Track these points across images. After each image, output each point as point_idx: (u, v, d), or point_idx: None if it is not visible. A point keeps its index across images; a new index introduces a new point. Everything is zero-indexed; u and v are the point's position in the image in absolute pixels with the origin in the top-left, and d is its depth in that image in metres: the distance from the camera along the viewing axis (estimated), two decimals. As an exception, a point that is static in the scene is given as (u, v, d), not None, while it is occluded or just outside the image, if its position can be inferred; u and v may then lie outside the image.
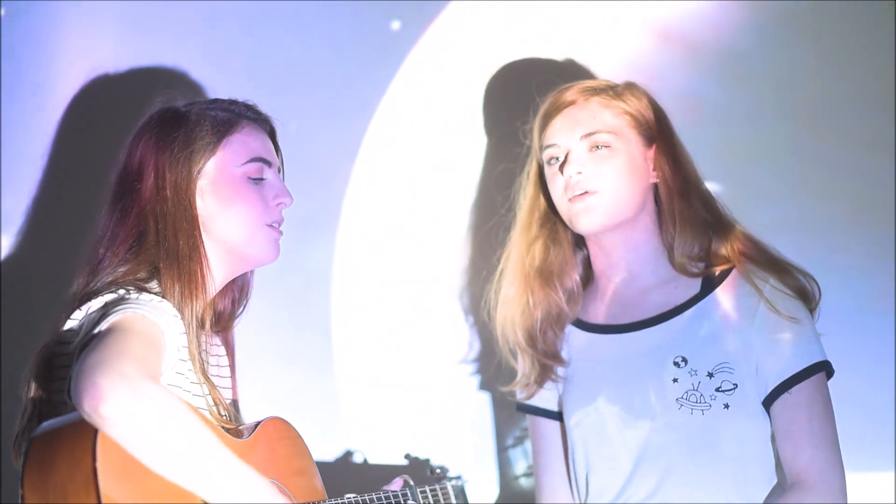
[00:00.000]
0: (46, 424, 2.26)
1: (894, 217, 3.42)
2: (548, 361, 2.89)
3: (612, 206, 2.80)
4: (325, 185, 3.46)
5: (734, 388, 2.75)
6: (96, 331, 2.31)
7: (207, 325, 2.56)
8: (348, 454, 3.42)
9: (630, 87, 2.88)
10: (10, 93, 3.38)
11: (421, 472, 3.04)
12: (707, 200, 2.87)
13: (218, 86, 3.29)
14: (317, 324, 3.49)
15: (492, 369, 3.19)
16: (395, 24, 3.50)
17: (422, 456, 3.26)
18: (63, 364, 2.40)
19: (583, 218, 2.80)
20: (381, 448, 3.43)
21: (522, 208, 2.96)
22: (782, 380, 2.76)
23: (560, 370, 2.90)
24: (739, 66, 3.46)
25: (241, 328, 2.72)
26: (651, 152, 2.85)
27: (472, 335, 3.47)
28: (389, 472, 2.86)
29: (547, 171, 2.88)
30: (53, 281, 2.75)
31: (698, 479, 2.75)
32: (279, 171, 2.64)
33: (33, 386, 2.45)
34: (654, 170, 2.85)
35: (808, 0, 3.45)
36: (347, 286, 3.50)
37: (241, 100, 2.64)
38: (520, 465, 3.47)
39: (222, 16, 3.45)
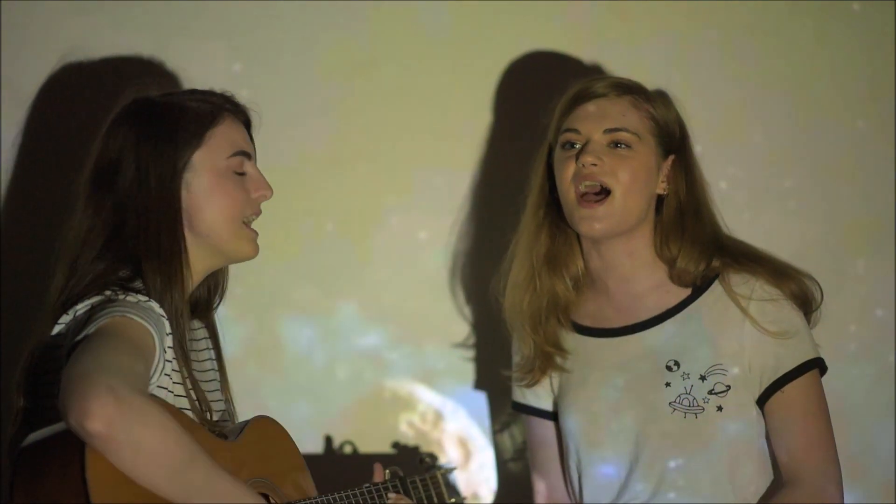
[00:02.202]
0: (36, 434, 2.22)
1: (894, 217, 3.42)
2: (550, 349, 2.85)
3: (619, 215, 2.76)
4: (322, 180, 3.43)
5: (727, 390, 2.74)
6: (82, 336, 2.26)
7: (186, 315, 2.50)
8: (335, 445, 3.41)
9: (662, 95, 2.85)
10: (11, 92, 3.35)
11: (410, 460, 3.04)
12: (714, 221, 2.85)
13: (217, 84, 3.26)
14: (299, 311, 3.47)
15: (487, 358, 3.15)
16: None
17: (410, 444, 3.27)
18: (52, 369, 2.34)
19: (588, 222, 2.76)
20: (369, 437, 3.42)
21: (532, 191, 2.90)
22: (774, 378, 2.75)
23: (560, 360, 2.86)
24: (738, 65, 3.45)
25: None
26: (667, 164, 2.82)
27: (471, 322, 3.44)
28: (381, 461, 2.84)
29: (558, 154, 2.82)
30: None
31: (694, 482, 2.73)
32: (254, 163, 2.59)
33: (22, 394, 2.41)
34: (663, 181, 2.82)
35: (810, 0, 3.46)
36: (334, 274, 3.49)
37: (217, 90, 2.58)
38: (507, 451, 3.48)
39: (220, 14, 3.42)
